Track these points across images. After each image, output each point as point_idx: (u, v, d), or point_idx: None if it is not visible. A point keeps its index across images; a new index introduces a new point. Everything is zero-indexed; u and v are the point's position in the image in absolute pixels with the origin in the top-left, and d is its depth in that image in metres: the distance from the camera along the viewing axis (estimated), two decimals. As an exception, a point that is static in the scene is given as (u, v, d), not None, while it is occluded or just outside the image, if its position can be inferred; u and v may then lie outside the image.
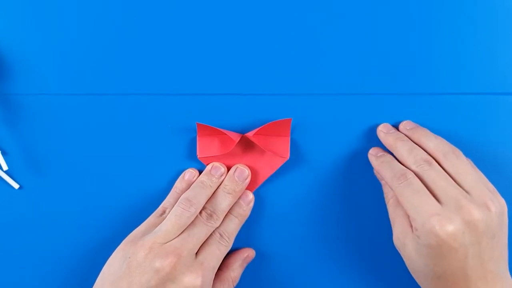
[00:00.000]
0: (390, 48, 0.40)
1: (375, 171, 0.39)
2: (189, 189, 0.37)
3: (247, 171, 0.38)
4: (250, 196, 0.39)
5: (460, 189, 0.33)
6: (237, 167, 0.38)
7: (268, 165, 0.39)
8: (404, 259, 0.35)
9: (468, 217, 0.32)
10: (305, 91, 0.40)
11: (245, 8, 0.40)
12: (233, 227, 0.37)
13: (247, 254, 0.39)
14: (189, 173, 0.39)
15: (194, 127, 0.39)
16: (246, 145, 0.39)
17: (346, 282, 0.41)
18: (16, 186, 0.39)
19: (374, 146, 0.40)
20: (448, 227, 0.32)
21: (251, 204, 0.39)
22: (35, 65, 0.39)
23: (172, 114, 0.39)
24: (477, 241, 0.32)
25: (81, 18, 0.39)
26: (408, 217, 0.34)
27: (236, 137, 0.37)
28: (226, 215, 0.37)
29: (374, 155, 0.39)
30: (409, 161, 0.36)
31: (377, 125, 0.39)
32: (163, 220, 0.35)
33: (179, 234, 0.34)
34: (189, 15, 0.39)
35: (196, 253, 0.35)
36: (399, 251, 0.36)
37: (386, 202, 0.38)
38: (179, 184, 0.39)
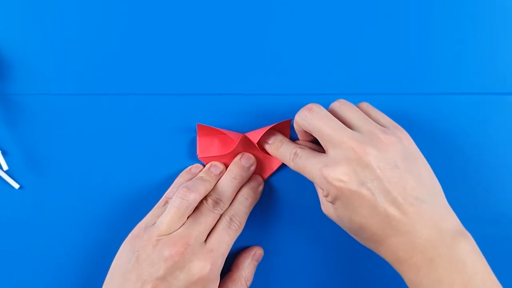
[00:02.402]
0: (390, 48, 0.40)
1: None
2: (188, 182, 0.36)
3: (252, 158, 0.38)
4: (260, 179, 0.39)
5: (345, 129, 0.32)
6: (243, 154, 0.38)
7: (268, 165, 0.39)
8: (338, 224, 0.35)
9: (353, 155, 0.31)
10: (305, 91, 0.40)
11: (245, 8, 0.40)
12: (243, 209, 0.37)
13: (255, 251, 0.39)
14: (195, 167, 0.39)
15: (194, 127, 0.39)
16: (246, 145, 0.39)
17: (355, 280, 0.41)
18: (16, 186, 0.39)
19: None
20: (337, 171, 0.31)
21: (261, 188, 0.39)
22: (35, 65, 0.39)
23: (172, 114, 0.39)
24: (375, 175, 0.31)
25: (81, 18, 0.39)
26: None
27: (236, 137, 0.37)
28: (236, 197, 0.37)
29: (268, 143, 0.38)
30: (297, 118, 0.35)
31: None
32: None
33: (185, 223, 0.34)
34: (189, 15, 0.40)
35: (206, 240, 0.34)
36: (332, 219, 0.35)
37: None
38: (184, 174, 0.39)
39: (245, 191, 0.38)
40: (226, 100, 0.40)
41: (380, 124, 0.34)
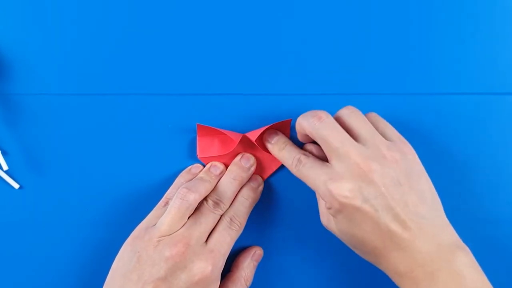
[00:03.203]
0: (390, 48, 0.40)
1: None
2: (188, 182, 0.36)
3: (253, 158, 0.38)
4: (260, 179, 0.39)
5: (352, 144, 0.32)
6: (243, 155, 0.38)
7: (269, 165, 0.39)
8: (338, 237, 0.35)
9: (357, 171, 0.31)
10: (305, 91, 0.40)
11: (245, 8, 0.40)
12: (243, 210, 0.37)
13: (255, 251, 0.39)
14: (195, 167, 0.39)
15: (194, 127, 0.39)
16: (246, 145, 0.39)
17: (355, 280, 0.41)
18: (16, 186, 0.39)
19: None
20: (342, 187, 0.31)
21: (261, 188, 0.39)
22: (35, 65, 0.39)
23: (172, 114, 0.39)
24: (379, 192, 0.31)
25: (81, 18, 0.39)
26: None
27: (236, 137, 0.37)
28: (236, 198, 0.37)
29: (270, 143, 0.38)
30: (304, 123, 0.34)
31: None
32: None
33: (185, 223, 0.34)
34: (189, 15, 0.40)
35: (206, 241, 0.35)
36: (331, 232, 0.35)
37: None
38: (184, 175, 0.39)
39: (245, 191, 0.38)
40: (226, 100, 0.40)
41: (386, 137, 0.34)
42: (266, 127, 0.37)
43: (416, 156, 0.34)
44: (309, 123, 0.34)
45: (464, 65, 0.40)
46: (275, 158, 0.39)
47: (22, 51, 0.39)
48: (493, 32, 0.40)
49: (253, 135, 0.37)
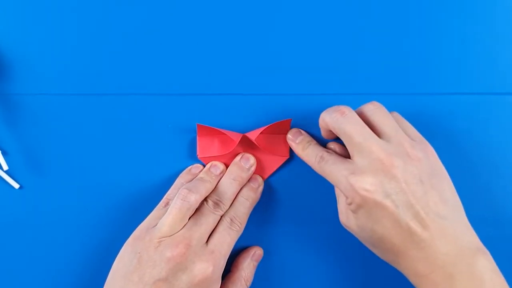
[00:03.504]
0: (390, 48, 0.40)
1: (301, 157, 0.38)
2: (189, 183, 0.36)
3: (252, 158, 0.38)
4: (260, 179, 0.39)
5: (375, 139, 0.32)
6: (243, 155, 0.38)
7: (269, 165, 0.39)
8: (356, 236, 0.35)
9: (380, 166, 0.31)
10: (305, 91, 0.40)
11: (245, 8, 0.40)
12: (243, 210, 0.37)
13: (254, 251, 0.39)
14: (195, 167, 0.39)
15: (194, 127, 0.39)
16: (246, 145, 0.39)
17: (355, 280, 0.41)
18: (16, 186, 0.39)
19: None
20: (364, 181, 0.31)
21: (261, 188, 0.39)
22: (35, 65, 0.39)
23: (172, 114, 0.39)
24: (400, 188, 0.31)
25: (81, 18, 0.39)
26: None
27: (236, 137, 0.37)
28: (236, 198, 0.37)
29: (295, 142, 0.38)
30: (327, 118, 0.35)
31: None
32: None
33: (186, 224, 0.34)
34: (189, 15, 0.40)
35: (207, 241, 0.34)
36: (350, 231, 0.35)
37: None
38: (184, 175, 0.39)
39: (245, 192, 0.38)
40: (226, 100, 0.39)
41: (409, 137, 0.34)
42: (266, 127, 0.37)
43: (438, 159, 0.34)
44: (331, 118, 0.34)
45: (464, 65, 0.40)
46: (275, 158, 0.39)
47: (22, 51, 0.39)
48: (493, 32, 0.40)
49: (253, 135, 0.37)
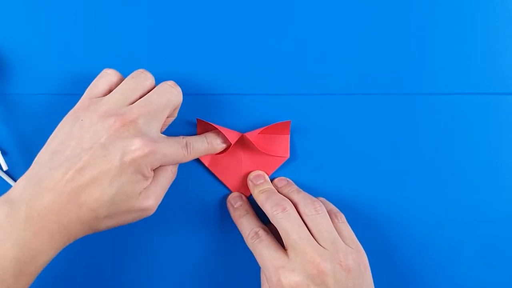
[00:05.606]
0: (390, 48, 0.40)
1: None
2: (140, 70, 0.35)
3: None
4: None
5: (310, 241, 0.33)
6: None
7: (268, 165, 0.39)
8: None
9: (311, 270, 0.32)
10: (305, 91, 0.40)
11: (246, 8, 0.40)
12: (201, 148, 0.36)
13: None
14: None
15: (194, 127, 0.39)
16: (246, 145, 0.39)
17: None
18: (16, 186, 0.39)
19: (373, 146, 0.40)
20: (292, 279, 0.32)
21: (223, 145, 0.37)
22: (35, 65, 0.39)
23: (172, 114, 0.39)
24: None
25: (81, 18, 0.39)
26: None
27: (235, 136, 0.37)
28: (199, 137, 0.36)
29: (232, 206, 0.39)
30: (266, 208, 0.35)
31: (377, 125, 0.40)
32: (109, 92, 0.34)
33: (137, 101, 0.32)
34: (189, 15, 0.40)
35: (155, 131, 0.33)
36: None
37: None
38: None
39: (210, 139, 0.37)
40: (226, 100, 0.40)
41: (341, 235, 0.35)
42: (265, 128, 0.37)
43: (368, 268, 0.35)
44: (272, 211, 0.35)
45: (464, 65, 0.40)
46: (275, 158, 0.39)
47: (22, 51, 0.39)
48: (493, 32, 0.40)
49: (252, 135, 0.37)
